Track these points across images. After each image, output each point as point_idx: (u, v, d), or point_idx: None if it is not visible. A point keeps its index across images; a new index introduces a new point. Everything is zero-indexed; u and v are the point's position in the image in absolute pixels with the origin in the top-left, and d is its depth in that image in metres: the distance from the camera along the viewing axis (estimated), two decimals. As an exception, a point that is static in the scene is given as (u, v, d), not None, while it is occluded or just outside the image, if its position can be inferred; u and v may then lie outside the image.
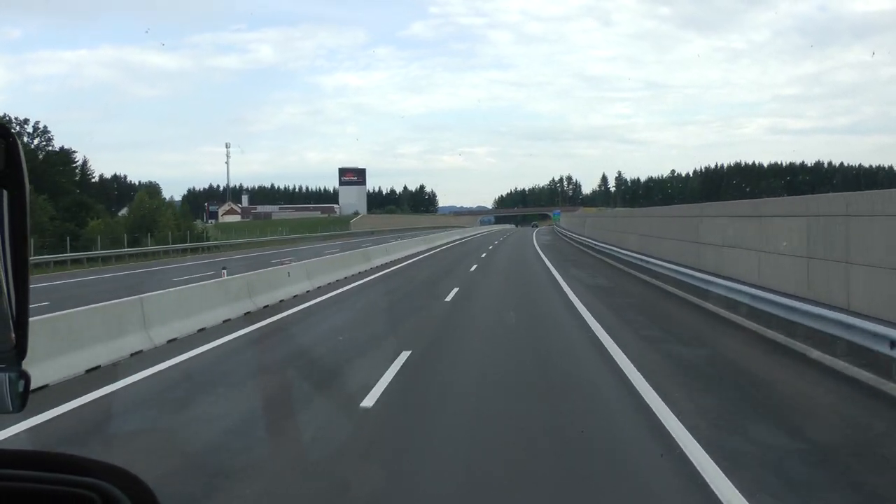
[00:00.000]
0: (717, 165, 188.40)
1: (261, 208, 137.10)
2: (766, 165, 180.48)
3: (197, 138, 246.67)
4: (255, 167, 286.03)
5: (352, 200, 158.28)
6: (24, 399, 1.00)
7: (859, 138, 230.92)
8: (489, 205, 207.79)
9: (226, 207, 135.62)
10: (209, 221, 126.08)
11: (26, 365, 1.00)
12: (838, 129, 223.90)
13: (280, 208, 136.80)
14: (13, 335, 0.98)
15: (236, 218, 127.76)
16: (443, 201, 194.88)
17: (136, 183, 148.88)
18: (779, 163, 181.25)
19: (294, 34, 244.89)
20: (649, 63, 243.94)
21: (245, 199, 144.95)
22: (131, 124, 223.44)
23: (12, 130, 0.96)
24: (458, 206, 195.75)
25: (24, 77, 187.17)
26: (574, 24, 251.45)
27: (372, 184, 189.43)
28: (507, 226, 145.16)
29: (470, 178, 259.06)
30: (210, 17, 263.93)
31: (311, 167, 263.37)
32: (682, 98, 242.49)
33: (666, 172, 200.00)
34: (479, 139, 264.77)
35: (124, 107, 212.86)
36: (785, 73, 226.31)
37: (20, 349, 0.99)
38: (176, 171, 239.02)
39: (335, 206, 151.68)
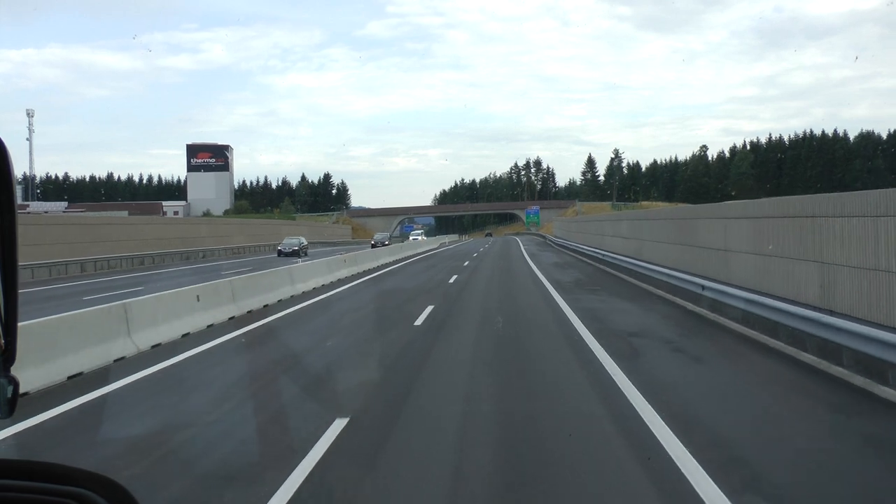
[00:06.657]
0: (770, 138, 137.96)
1: (36, 206, 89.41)
2: (851, 139, 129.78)
3: (146, 140, 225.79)
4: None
5: (207, 194, 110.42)
6: (12, 405, 0.99)
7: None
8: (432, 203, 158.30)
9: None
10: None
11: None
12: (790, 131, 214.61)
13: (67, 207, 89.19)
14: (2, 341, 0.97)
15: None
16: (387, 202, 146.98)
17: None
18: (874, 132, 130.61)
19: (248, 33, 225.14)
20: (606, 64, 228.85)
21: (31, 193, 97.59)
22: (77, 126, 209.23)
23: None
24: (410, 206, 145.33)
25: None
26: (533, 23, 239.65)
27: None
28: (445, 237, 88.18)
29: (421, 180, 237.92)
30: (161, 16, 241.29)
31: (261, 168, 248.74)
32: (638, 99, 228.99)
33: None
34: (432, 141, 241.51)
35: (70, 108, 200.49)
36: (740, 73, 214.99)
37: (9, 355, 0.98)
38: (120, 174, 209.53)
39: (169, 203, 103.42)
